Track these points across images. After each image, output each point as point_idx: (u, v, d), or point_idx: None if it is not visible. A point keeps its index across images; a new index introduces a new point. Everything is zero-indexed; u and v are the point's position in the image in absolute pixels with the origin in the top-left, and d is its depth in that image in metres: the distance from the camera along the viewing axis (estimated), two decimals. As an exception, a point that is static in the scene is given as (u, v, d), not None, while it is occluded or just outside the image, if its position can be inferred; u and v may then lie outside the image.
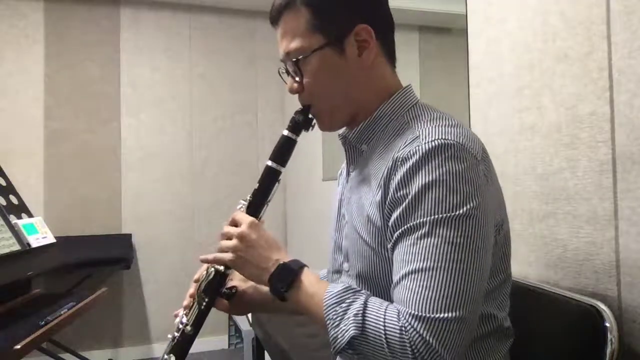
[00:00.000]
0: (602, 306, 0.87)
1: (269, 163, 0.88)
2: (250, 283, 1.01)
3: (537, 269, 1.13)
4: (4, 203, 2.05)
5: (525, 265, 1.17)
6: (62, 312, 1.70)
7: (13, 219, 2.01)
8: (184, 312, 0.92)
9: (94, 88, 3.24)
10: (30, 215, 2.18)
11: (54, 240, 2.16)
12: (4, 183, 2.17)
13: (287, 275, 0.78)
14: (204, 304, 0.89)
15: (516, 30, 1.20)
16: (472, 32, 1.40)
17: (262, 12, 3.55)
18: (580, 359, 0.87)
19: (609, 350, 0.83)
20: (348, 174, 0.92)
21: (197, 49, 3.48)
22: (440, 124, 0.75)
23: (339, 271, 0.92)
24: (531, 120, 1.15)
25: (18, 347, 1.35)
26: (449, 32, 1.77)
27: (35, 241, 2.02)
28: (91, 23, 3.24)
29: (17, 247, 1.87)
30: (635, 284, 0.89)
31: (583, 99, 1.00)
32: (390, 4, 0.89)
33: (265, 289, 0.99)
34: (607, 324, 0.84)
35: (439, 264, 0.66)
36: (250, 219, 0.85)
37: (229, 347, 3.43)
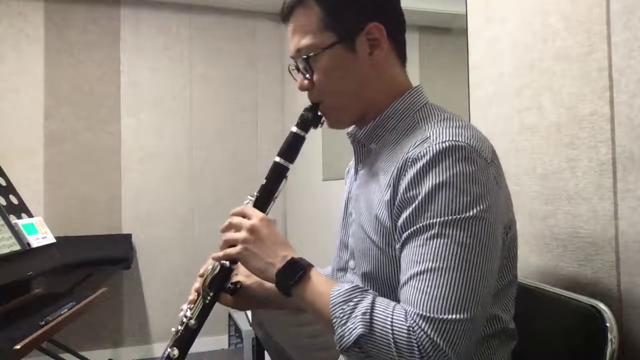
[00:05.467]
0: (602, 306, 0.87)
1: (277, 159, 0.88)
2: (255, 279, 0.99)
3: (537, 269, 1.13)
4: (4, 203, 2.04)
5: (525, 265, 1.17)
6: (62, 312, 1.70)
7: (13, 219, 2.00)
8: (188, 306, 0.91)
9: (94, 88, 3.24)
10: (30, 215, 2.18)
11: (54, 240, 2.16)
12: (4, 183, 2.16)
13: (295, 271, 0.77)
14: (209, 298, 0.89)
15: (516, 30, 1.20)
16: (472, 32, 1.40)
17: (262, 12, 3.55)
18: (580, 359, 0.87)
19: (609, 350, 0.83)
20: (356, 171, 0.92)
21: (197, 49, 3.48)
22: (451, 125, 0.74)
23: (344, 269, 0.92)
24: (531, 120, 1.15)
25: (18, 347, 1.35)
26: (449, 32, 1.77)
27: (35, 241, 2.02)
28: (91, 23, 3.24)
29: (17, 247, 1.87)
30: (635, 283, 0.89)
31: (583, 99, 1.00)
32: (390, 4, 0.88)
33: (269, 285, 0.97)
34: (607, 324, 0.84)
35: (448, 265, 0.65)
36: (262, 214, 0.84)
37: (229, 347, 3.43)
